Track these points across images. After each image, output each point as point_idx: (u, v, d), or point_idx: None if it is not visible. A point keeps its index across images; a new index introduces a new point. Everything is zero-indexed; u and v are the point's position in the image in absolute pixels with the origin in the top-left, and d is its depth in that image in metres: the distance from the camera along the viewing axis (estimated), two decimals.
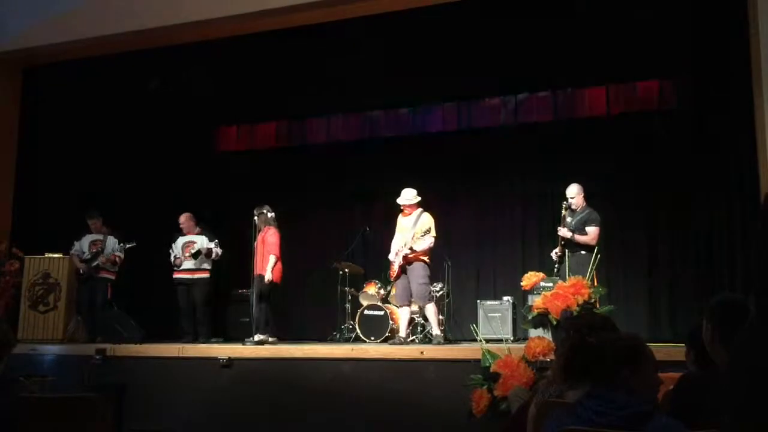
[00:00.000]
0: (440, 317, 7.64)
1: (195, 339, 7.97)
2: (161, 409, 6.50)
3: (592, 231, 6.72)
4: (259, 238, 7.78)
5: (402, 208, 7.49)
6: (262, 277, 7.64)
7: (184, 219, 8.33)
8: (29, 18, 8.30)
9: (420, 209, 7.45)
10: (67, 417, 3.34)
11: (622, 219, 8.86)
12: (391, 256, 7.41)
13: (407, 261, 7.22)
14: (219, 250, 8.23)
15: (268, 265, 7.60)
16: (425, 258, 7.24)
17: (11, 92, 8.73)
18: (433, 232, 7.24)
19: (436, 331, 7.26)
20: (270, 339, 7.52)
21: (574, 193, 6.89)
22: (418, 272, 7.16)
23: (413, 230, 7.19)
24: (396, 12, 7.61)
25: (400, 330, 7.35)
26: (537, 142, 8.95)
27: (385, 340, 7.64)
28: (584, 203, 6.91)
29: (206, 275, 8.25)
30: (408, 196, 7.44)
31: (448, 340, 7.47)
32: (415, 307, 8.04)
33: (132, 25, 7.96)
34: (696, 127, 8.24)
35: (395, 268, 7.32)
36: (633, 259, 8.73)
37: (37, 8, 8.24)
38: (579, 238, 6.66)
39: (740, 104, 6.99)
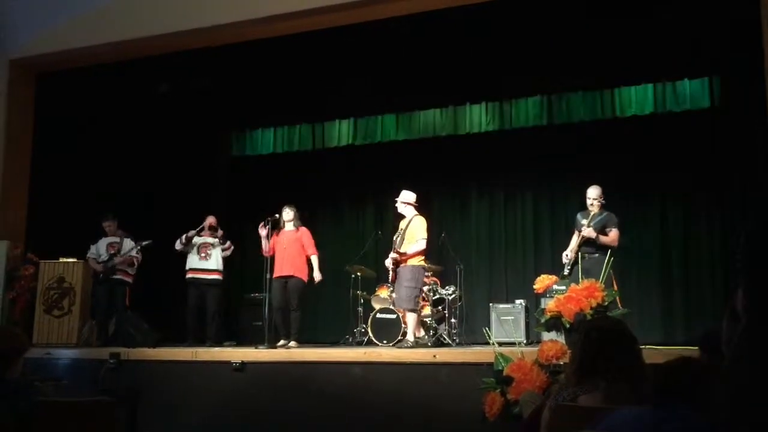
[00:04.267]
0: (407, 322, 7.41)
1: (203, 342, 7.93)
2: (175, 412, 6.52)
3: (614, 233, 6.67)
4: (288, 237, 7.65)
5: (398, 210, 7.46)
6: (290, 278, 7.52)
7: (213, 221, 8.36)
8: (43, 24, 8.36)
9: (414, 213, 7.38)
10: (82, 421, 3.36)
11: (636, 221, 8.83)
12: (386, 262, 7.38)
13: (397, 264, 7.19)
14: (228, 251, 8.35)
15: (313, 267, 7.58)
16: (416, 262, 7.17)
17: (26, 98, 8.78)
18: (422, 235, 7.14)
19: (410, 336, 7.10)
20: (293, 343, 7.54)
21: (597, 194, 6.80)
22: (406, 276, 7.10)
23: (403, 233, 7.19)
24: (408, 15, 7.59)
25: (408, 333, 7.33)
26: (549, 144, 8.93)
27: (398, 344, 7.63)
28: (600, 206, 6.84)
29: (220, 277, 8.28)
30: (402, 197, 7.42)
31: (423, 344, 7.26)
32: (426, 311, 8.03)
33: (144, 31, 8.00)
34: (709, 127, 8.20)
35: (390, 273, 7.32)
36: (647, 262, 8.69)
37: (50, 15, 8.30)
38: (603, 239, 6.61)
39: (756, 104, 6.91)
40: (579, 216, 6.93)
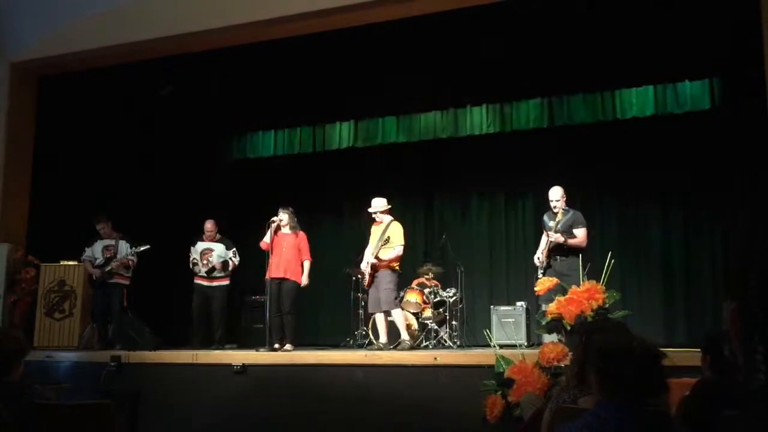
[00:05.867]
0: (409, 324, 7.45)
1: (208, 345, 7.94)
2: (175, 415, 6.52)
3: (581, 233, 6.65)
4: (287, 241, 7.63)
5: (373, 217, 7.50)
6: (283, 281, 7.50)
7: (210, 226, 8.28)
8: (45, 27, 8.37)
9: (390, 218, 7.45)
10: (82, 423, 3.36)
11: (637, 222, 8.83)
12: (362, 266, 7.45)
13: (375, 269, 7.27)
14: (237, 259, 8.24)
15: (304, 271, 7.59)
16: (393, 266, 7.26)
17: (27, 101, 8.79)
18: (400, 241, 7.24)
19: (404, 336, 7.20)
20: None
21: (559, 195, 6.79)
22: (384, 279, 7.20)
23: (381, 239, 7.23)
24: (409, 18, 7.60)
25: (380, 336, 7.31)
26: (549, 146, 8.93)
27: (398, 346, 7.61)
28: (565, 206, 6.81)
29: (225, 282, 8.26)
30: (376, 204, 7.46)
31: (414, 347, 7.34)
32: (427, 313, 8.02)
33: (145, 34, 8.00)
34: (709, 129, 8.19)
35: (366, 277, 7.38)
36: (647, 263, 8.69)
37: (52, 18, 8.31)
38: (571, 241, 6.59)
39: (757, 103, 6.90)
40: (545, 217, 6.92)
